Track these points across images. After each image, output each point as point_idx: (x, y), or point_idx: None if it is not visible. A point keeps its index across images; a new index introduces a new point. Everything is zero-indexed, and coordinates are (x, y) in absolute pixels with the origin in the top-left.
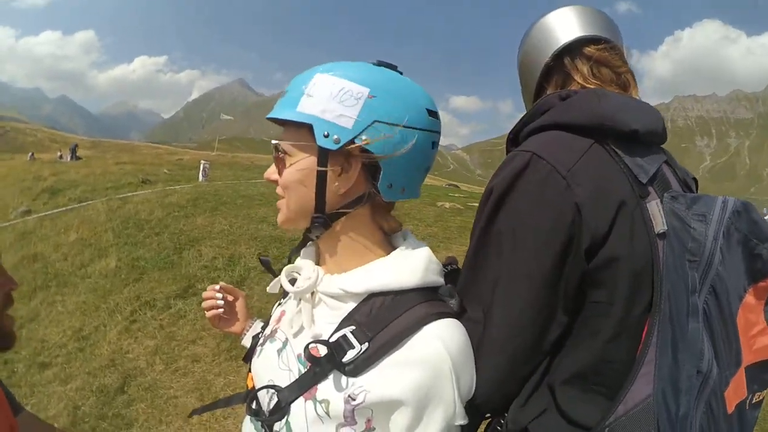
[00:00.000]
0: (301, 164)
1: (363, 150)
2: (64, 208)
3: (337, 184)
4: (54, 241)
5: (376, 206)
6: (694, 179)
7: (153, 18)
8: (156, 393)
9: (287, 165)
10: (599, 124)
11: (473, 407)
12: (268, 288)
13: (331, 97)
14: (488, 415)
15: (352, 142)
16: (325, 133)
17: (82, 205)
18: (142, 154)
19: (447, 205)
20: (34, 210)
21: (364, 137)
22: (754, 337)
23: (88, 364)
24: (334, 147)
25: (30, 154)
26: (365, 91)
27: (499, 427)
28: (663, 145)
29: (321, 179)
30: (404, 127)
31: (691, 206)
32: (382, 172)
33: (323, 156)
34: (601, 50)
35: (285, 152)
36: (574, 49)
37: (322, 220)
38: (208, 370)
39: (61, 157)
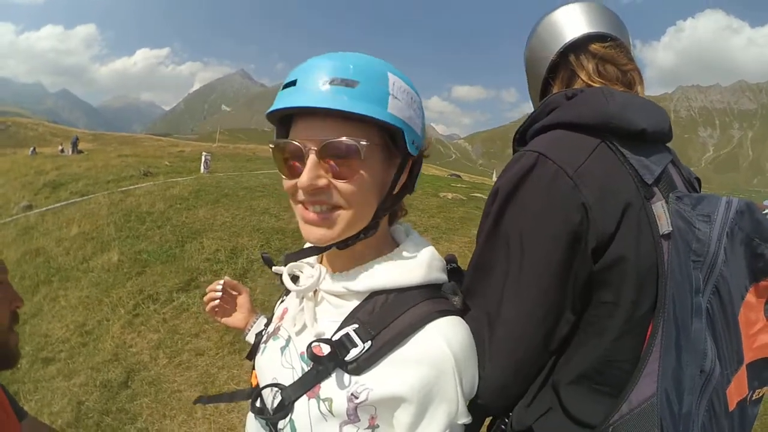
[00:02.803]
0: (376, 169)
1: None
2: (65, 202)
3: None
4: (56, 235)
5: None
6: (697, 179)
7: (155, 10)
8: (160, 387)
9: (357, 169)
10: (606, 123)
11: (479, 407)
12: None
13: (409, 104)
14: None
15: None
16: (412, 140)
17: (84, 198)
18: (143, 147)
19: (449, 195)
20: (36, 204)
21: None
22: (755, 336)
23: (92, 358)
24: (416, 153)
25: (32, 148)
26: (419, 98)
27: (503, 426)
28: None
29: (394, 185)
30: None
31: (696, 206)
32: (419, 171)
33: (405, 162)
34: (606, 48)
35: (353, 154)
36: (579, 46)
37: (374, 224)
38: (212, 363)
39: (62, 150)
